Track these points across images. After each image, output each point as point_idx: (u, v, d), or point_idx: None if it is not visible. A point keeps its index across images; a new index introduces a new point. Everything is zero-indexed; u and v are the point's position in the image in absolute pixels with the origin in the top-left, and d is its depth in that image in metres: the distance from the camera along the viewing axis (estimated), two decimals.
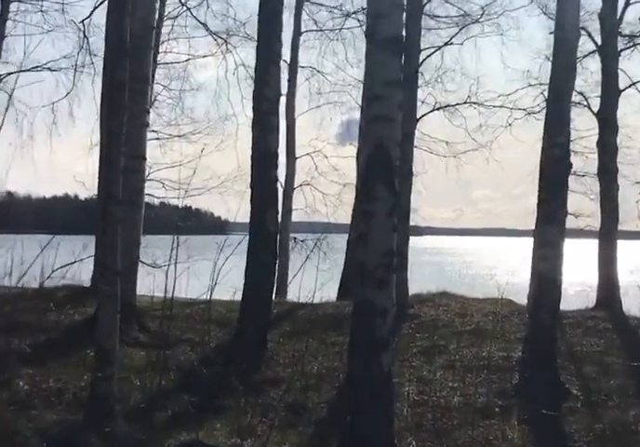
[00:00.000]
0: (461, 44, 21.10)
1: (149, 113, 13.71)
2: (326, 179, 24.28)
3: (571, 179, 11.17)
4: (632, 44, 17.78)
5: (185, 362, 10.43)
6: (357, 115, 21.93)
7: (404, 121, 7.31)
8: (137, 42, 11.13)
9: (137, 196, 12.53)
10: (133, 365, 9.70)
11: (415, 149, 16.70)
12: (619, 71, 17.06)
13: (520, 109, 20.22)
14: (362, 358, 6.61)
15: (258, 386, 9.33)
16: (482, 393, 9.27)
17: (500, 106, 20.49)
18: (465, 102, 21.00)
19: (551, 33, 12.86)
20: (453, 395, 9.33)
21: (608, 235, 16.45)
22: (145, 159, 13.13)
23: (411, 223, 16.66)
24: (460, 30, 20.53)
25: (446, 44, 20.77)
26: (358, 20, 22.04)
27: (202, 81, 45.94)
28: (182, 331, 11.98)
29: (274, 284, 13.15)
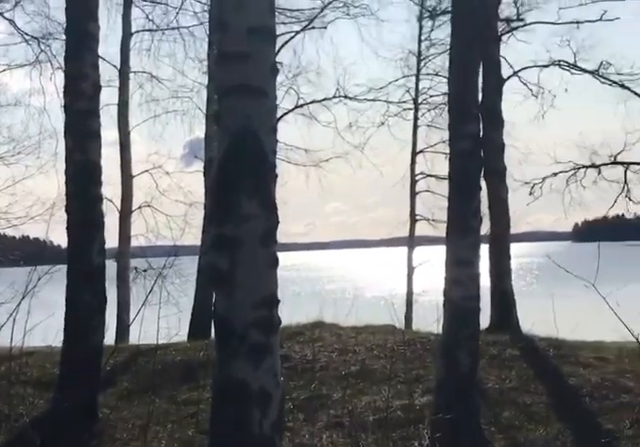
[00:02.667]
0: (325, 27, 19.36)
1: None
2: (169, 198, 22.19)
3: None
4: (509, 28, 16.57)
5: None
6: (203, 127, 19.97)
7: None
8: None
9: None
10: None
11: None
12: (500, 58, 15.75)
13: (399, 102, 18.70)
14: None
15: None
16: None
17: (373, 100, 18.85)
18: (334, 97, 19.20)
19: None
20: None
21: (500, 242, 14.94)
22: None
23: None
24: (322, 10, 18.64)
25: (305, 28, 18.84)
26: (198, 18, 20.28)
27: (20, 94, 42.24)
28: None
29: (104, 328, 10.92)
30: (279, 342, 4.72)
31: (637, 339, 6.43)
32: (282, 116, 16.85)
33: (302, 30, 18.72)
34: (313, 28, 18.89)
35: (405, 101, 20.00)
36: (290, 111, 18.51)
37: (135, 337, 20.48)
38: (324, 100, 19.33)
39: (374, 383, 10.34)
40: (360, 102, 20.05)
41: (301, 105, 18.69)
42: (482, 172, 8.48)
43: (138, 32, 21.67)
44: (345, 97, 19.50)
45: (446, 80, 21.12)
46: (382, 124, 21.21)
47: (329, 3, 18.81)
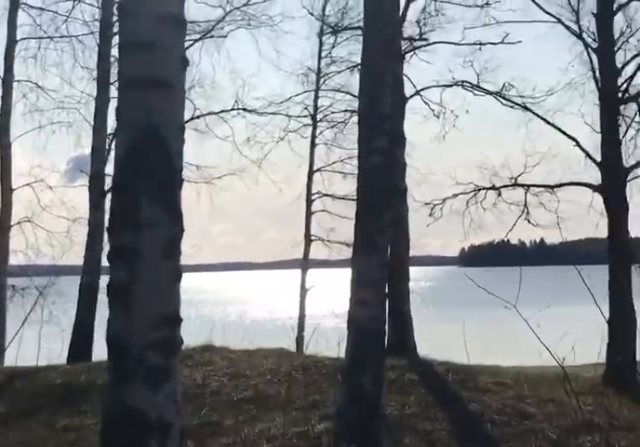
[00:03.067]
0: (225, 37, 18.84)
1: None
2: (51, 214, 21.19)
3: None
4: (412, 47, 16.46)
5: None
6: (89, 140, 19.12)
7: None
8: None
9: None
10: None
11: None
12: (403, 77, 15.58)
13: (299, 116, 18.33)
14: None
15: None
16: None
17: (273, 113, 18.41)
18: (232, 109, 18.64)
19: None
20: None
21: (399, 263, 14.65)
22: None
23: None
24: (221, 20, 18.12)
25: (203, 37, 18.27)
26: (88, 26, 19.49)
27: None
28: None
29: None
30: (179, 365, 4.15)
31: (558, 361, 6.16)
32: None
33: (200, 39, 18.18)
34: (212, 37, 18.38)
35: (305, 116, 19.64)
36: (185, 122, 17.76)
37: (12, 359, 19.46)
38: (221, 112, 18.79)
39: (268, 409, 9.83)
40: (259, 116, 19.62)
41: (198, 117, 18.01)
42: (392, 189, 8.15)
43: (24, 39, 20.76)
44: (244, 109, 19.00)
45: (346, 97, 20.99)
46: (282, 139, 20.83)
47: (229, 12, 18.33)
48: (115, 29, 18.88)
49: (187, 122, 15.49)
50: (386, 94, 7.80)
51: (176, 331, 3.94)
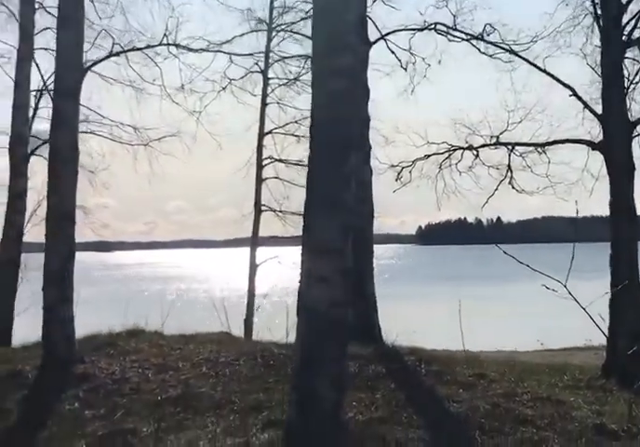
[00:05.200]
0: None
1: None
2: None
3: None
4: None
5: None
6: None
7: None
8: None
9: None
10: None
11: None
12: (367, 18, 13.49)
13: (245, 56, 15.98)
14: None
15: None
16: None
17: (211, 50, 16.01)
18: (160, 44, 16.07)
19: None
20: None
21: (361, 235, 12.68)
22: None
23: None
24: None
25: None
26: None
27: None
28: None
29: None
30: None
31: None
32: (93, 65, 13.74)
33: None
34: None
35: (250, 55, 17.23)
36: (104, 59, 15.38)
37: None
38: (147, 47, 16.12)
39: (199, 412, 7.95)
40: (196, 54, 16.95)
41: (117, 53, 15.42)
42: (360, 128, 6.21)
43: None
44: (176, 46, 16.38)
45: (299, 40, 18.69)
46: (224, 89, 18.43)
47: None
48: None
49: (107, 58, 13.20)
50: None
51: None
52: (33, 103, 18.42)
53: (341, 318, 5.51)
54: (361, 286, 12.36)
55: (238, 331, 17.37)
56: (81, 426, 7.59)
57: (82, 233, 19.05)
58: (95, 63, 13.32)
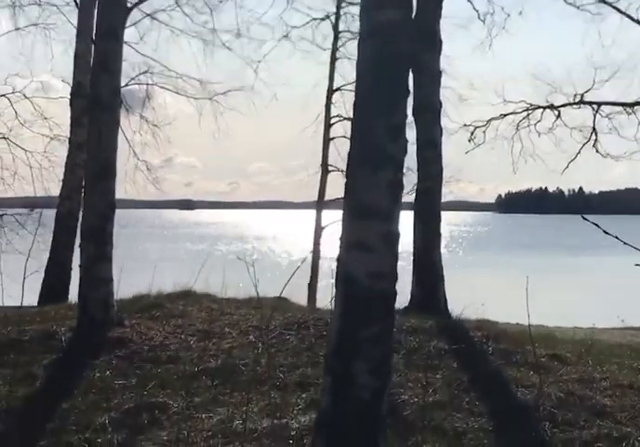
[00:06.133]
0: None
1: None
2: (31, 131, 18.64)
3: None
4: None
5: None
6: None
7: None
8: None
9: None
10: None
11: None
12: None
13: None
14: None
15: None
16: None
17: None
18: None
19: None
20: None
21: (429, 199, 11.76)
22: None
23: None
24: None
25: None
26: None
27: None
28: None
29: None
30: None
31: None
32: (139, 3, 12.70)
33: None
34: None
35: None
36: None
37: None
38: None
39: (237, 387, 7.18)
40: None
41: None
42: (410, 71, 5.24)
43: None
44: None
45: None
46: (285, 37, 17.53)
47: None
48: None
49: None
50: None
51: None
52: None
53: (386, 292, 4.61)
54: (425, 252, 11.43)
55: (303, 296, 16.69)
56: (107, 397, 6.93)
57: (144, 190, 18.63)
58: (140, 2, 12.55)
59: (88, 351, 8.19)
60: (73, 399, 6.89)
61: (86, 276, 8.87)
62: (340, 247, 4.72)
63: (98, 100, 8.76)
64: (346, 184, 4.74)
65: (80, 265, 9.02)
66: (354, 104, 4.97)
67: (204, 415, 6.48)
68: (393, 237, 4.60)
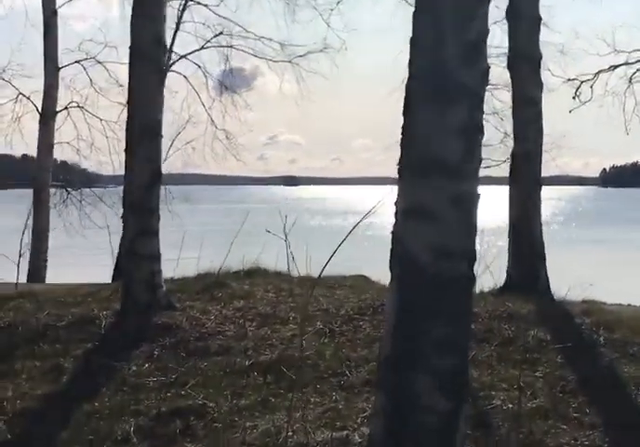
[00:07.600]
0: None
1: None
2: (108, 99, 17.74)
3: None
4: None
5: None
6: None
7: None
8: None
9: None
10: None
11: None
12: None
13: None
14: None
15: None
16: None
17: None
18: None
19: None
20: None
21: (527, 165, 10.18)
22: None
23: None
24: None
25: None
26: None
27: None
28: None
29: None
30: None
31: None
32: None
33: None
34: None
35: None
36: None
37: (55, 275, 16.40)
38: None
39: (293, 386, 5.92)
40: None
41: None
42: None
43: None
44: None
45: None
46: None
47: None
48: None
49: None
50: None
51: None
52: (176, 16, 16.79)
53: (458, 276, 3.24)
54: (523, 226, 9.93)
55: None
56: (138, 398, 5.81)
57: (223, 160, 17.67)
58: None
59: (128, 340, 7.10)
60: (98, 399, 5.81)
61: (128, 252, 7.77)
62: (396, 215, 3.38)
63: (137, 48, 7.65)
64: (403, 129, 3.40)
65: (122, 240, 7.93)
66: (414, 14, 3.60)
67: (247, 423, 5.29)
68: (468, 201, 3.24)
